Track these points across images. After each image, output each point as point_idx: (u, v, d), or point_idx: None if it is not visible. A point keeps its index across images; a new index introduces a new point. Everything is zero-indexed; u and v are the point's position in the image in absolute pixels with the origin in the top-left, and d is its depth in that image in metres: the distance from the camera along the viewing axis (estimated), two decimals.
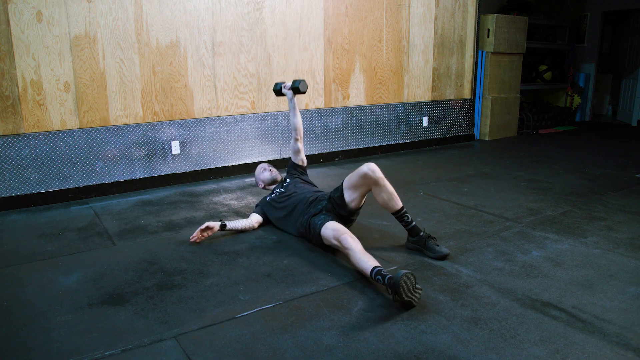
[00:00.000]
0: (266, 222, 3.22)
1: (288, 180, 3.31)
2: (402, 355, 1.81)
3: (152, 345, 1.90)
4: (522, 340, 1.91)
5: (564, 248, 2.81)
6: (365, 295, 2.27)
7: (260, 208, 3.27)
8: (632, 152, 5.66)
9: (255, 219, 3.16)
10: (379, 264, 2.29)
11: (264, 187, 3.47)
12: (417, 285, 2.14)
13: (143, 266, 2.62)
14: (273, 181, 3.43)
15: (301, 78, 3.42)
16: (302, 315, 2.10)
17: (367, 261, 2.31)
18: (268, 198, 3.26)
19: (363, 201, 2.85)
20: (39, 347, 1.89)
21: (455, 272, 2.50)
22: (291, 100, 3.38)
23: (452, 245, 2.85)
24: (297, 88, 3.33)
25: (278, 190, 3.24)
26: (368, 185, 2.69)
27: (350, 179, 2.77)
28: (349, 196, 2.76)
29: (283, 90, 3.45)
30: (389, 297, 2.21)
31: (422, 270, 2.53)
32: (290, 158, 3.45)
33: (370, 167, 2.64)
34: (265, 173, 3.45)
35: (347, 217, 2.87)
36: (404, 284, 2.07)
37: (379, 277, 2.21)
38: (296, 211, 2.97)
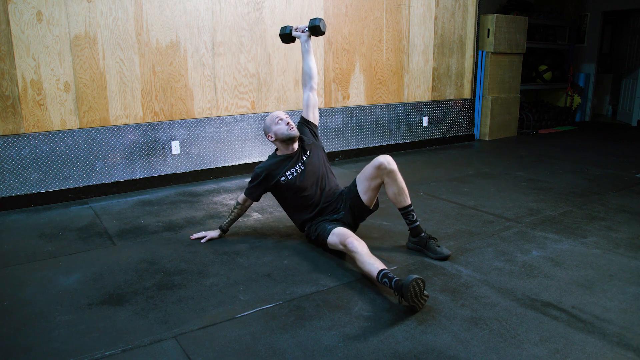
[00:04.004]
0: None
1: (308, 152, 2.86)
2: (402, 355, 1.81)
3: (152, 345, 1.89)
4: (522, 340, 1.91)
5: (564, 248, 2.81)
6: (365, 295, 2.27)
7: (261, 190, 2.85)
8: (632, 152, 5.66)
9: (250, 205, 2.94)
10: (385, 267, 2.27)
11: (274, 141, 2.83)
12: (424, 292, 2.12)
13: (143, 266, 2.62)
14: (289, 139, 2.79)
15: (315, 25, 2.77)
16: (302, 315, 2.10)
17: (373, 264, 2.29)
18: (282, 179, 2.78)
19: (376, 198, 2.81)
20: (39, 347, 1.89)
21: (455, 272, 2.50)
22: (306, 42, 2.93)
23: (452, 245, 2.85)
24: (317, 27, 2.80)
25: (297, 168, 2.80)
26: (381, 177, 2.65)
27: (364, 172, 2.72)
28: (364, 194, 2.73)
29: (295, 34, 2.97)
30: (393, 300, 2.21)
31: (422, 270, 2.53)
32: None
33: (387, 159, 2.62)
34: (281, 125, 2.77)
35: (364, 218, 2.88)
36: (412, 289, 2.05)
37: (385, 280, 2.18)
38: (315, 214, 2.82)
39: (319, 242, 2.75)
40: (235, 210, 2.96)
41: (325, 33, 2.90)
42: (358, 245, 2.40)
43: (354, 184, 2.79)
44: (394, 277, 2.16)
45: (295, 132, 2.78)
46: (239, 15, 4.43)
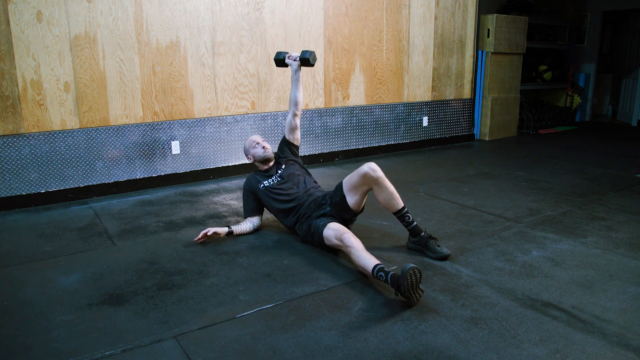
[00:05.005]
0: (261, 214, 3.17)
1: (283, 166, 3.14)
2: (402, 355, 1.81)
3: (152, 345, 1.90)
4: (522, 340, 1.91)
5: (564, 248, 2.81)
6: (365, 295, 2.27)
7: (253, 202, 3.11)
8: (632, 152, 5.66)
9: (256, 223, 3.13)
10: (380, 262, 2.29)
11: (253, 161, 3.16)
12: (420, 286, 2.14)
13: (143, 266, 2.62)
14: (265, 160, 3.12)
15: (310, 50, 3.07)
16: (302, 315, 2.10)
17: (368, 259, 2.31)
18: (261, 186, 3.05)
19: (364, 202, 2.84)
20: (39, 347, 1.89)
21: (455, 272, 2.50)
22: (296, 72, 3.14)
23: (452, 245, 2.85)
24: (307, 59, 3.02)
25: (274, 179, 3.07)
26: (368, 184, 2.68)
27: (350, 179, 2.75)
28: (351, 198, 2.75)
29: (287, 61, 3.17)
30: (389, 296, 2.21)
31: (422, 270, 2.52)
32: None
33: (371, 167, 2.64)
34: (257, 149, 3.11)
35: (349, 219, 2.88)
36: (409, 278, 2.07)
37: (381, 273, 2.20)
38: (299, 212, 2.92)
39: (315, 239, 2.76)
40: (245, 224, 3.10)
41: (314, 65, 3.12)
42: (354, 241, 2.43)
43: (339, 188, 2.80)
44: (389, 271, 2.19)
45: (269, 153, 3.13)
46: (239, 15, 4.43)
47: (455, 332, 1.96)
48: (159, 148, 4.22)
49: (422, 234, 2.72)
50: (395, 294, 2.15)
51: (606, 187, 4.12)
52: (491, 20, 6.23)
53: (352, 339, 1.92)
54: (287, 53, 3.18)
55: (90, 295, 2.30)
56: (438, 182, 4.33)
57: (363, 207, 2.89)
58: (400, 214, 2.71)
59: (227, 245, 2.90)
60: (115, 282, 2.44)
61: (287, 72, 4.76)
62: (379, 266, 2.24)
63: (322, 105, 5.09)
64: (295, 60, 3.14)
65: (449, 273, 2.50)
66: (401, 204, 2.70)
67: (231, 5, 4.37)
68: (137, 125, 4.08)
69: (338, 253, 2.73)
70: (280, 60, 3.20)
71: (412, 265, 2.10)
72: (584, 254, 2.73)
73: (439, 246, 2.69)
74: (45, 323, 2.06)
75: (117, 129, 4.00)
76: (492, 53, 6.30)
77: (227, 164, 4.60)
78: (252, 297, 2.26)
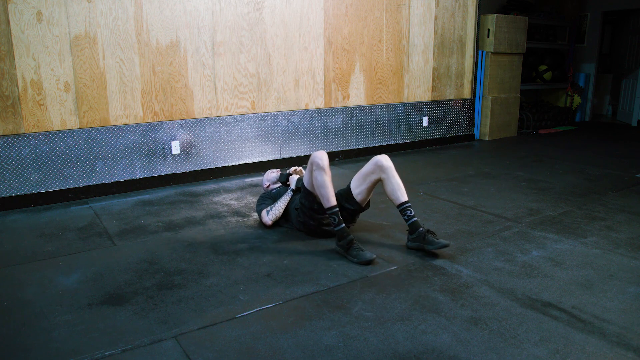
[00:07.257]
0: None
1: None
2: (402, 355, 1.81)
3: (152, 345, 1.90)
4: (522, 340, 1.91)
5: (564, 248, 2.81)
6: (365, 295, 2.27)
7: (266, 201, 3.29)
8: (632, 152, 5.66)
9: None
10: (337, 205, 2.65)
11: (268, 187, 3.45)
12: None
13: (143, 266, 2.62)
14: (277, 180, 3.46)
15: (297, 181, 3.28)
16: (302, 315, 2.10)
17: (330, 197, 2.66)
18: (274, 191, 3.34)
19: (369, 197, 2.94)
20: (39, 347, 1.89)
21: (455, 272, 2.50)
22: (291, 190, 3.26)
23: (452, 245, 2.84)
24: (298, 187, 3.22)
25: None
26: (378, 173, 2.83)
27: (361, 169, 2.93)
28: (357, 186, 2.90)
29: (290, 181, 3.35)
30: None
31: (422, 270, 2.53)
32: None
33: (384, 156, 2.86)
34: (272, 173, 3.48)
35: (352, 212, 2.95)
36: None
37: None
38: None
39: (305, 212, 2.91)
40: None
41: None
42: (324, 176, 2.69)
43: (348, 184, 2.96)
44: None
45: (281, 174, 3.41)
46: (239, 15, 4.43)
47: (455, 332, 1.96)
48: (159, 148, 4.21)
49: (420, 229, 2.73)
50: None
51: (606, 187, 4.12)
52: (491, 20, 6.23)
53: (352, 339, 1.92)
54: (290, 175, 3.33)
55: (90, 295, 2.30)
56: (438, 182, 4.33)
57: (367, 204, 2.97)
58: (402, 207, 2.77)
59: (227, 245, 2.91)
60: (115, 282, 2.44)
61: (287, 72, 4.77)
62: (335, 209, 2.62)
63: (322, 105, 5.09)
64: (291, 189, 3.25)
65: (449, 273, 2.50)
66: (405, 198, 2.79)
67: (231, 5, 4.37)
68: (137, 125, 4.08)
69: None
70: (283, 182, 3.42)
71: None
72: (584, 254, 2.73)
73: (437, 239, 2.70)
74: (45, 323, 2.06)
75: (117, 129, 4.00)
76: (492, 53, 6.30)
77: (227, 164, 4.60)
78: (252, 297, 2.26)
